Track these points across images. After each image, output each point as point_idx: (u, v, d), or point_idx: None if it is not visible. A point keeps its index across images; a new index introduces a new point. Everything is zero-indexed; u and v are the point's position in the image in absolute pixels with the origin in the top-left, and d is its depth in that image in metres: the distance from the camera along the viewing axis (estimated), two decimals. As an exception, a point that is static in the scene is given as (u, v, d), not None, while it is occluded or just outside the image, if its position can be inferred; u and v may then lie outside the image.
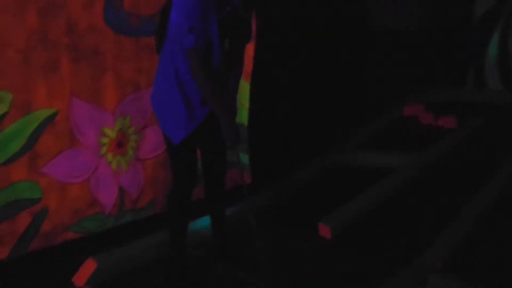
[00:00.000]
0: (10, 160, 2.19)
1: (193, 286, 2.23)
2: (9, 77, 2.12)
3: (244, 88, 3.06)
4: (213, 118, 2.18)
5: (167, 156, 2.29)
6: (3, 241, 2.22)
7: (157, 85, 2.18)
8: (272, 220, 2.74)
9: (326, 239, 2.52)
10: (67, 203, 2.41)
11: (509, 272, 2.25)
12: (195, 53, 1.97)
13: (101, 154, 2.49)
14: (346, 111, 3.56)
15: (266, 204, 2.90)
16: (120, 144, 2.56)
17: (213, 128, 2.23)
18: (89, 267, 2.16)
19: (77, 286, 2.13)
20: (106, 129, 2.49)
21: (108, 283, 2.17)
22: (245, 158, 3.11)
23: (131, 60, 2.50)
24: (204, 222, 2.51)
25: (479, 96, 3.94)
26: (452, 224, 2.45)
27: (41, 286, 2.15)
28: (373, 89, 3.78)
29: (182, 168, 2.20)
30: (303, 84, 3.34)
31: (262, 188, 2.96)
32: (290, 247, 2.50)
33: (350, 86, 3.67)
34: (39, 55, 2.19)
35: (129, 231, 2.57)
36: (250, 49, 3.04)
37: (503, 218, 2.64)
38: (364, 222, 2.63)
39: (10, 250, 2.24)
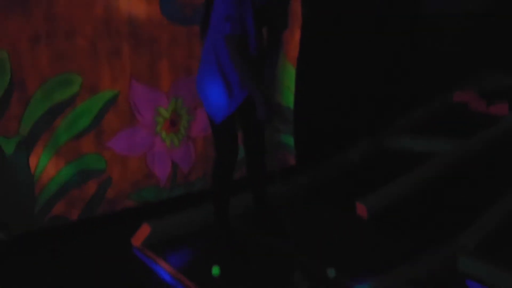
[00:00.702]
0: (80, 134, 2.52)
1: (238, 255, 2.44)
2: (79, 61, 2.43)
3: (290, 72, 3.21)
4: (252, 100, 2.38)
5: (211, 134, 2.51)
6: (74, 205, 2.57)
7: (201, 69, 2.39)
8: (313, 199, 2.89)
9: (363, 218, 2.64)
10: (127, 175, 2.71)
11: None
12: (232, 39, 2.16)
13: (156, 131, 2.77)
14: (395, 96, 3.60)
15: (309, 184, 3.05)
16: (173, 123, 2.82)
17: (251, 109, 2.42)
18: (144, 230, 2.45)
19: (134, 246, 2.43)
20: (161, 109, 2.76)
21: (161, 245, 2.44)
22: (290, 140, 3.27)
23: (184, 46, 2.74)
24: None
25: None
26: (488, 210, 2.46)
27: (105, 246, 2.45)
28: (424, 74, 3.77)
29: (224, 145, 2.41)
30: (352, 68, 3.41)
31: (307, 169, 3.11)
32: (327, 224, 2.65)
33: (401, 70, 3.68)
34: (104, 42, 2.49)
35: (181, 202, 2.83)
36: (296, 34, 3.18)
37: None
38: (402, 205, 2.70)
39: (79, 213, 2.59)
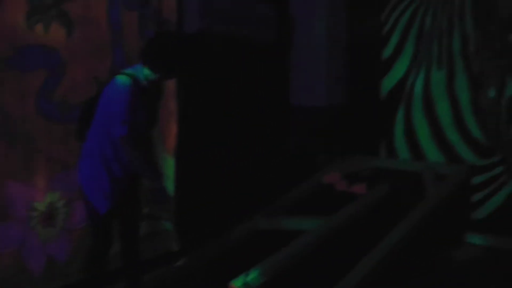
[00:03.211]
0: None
1: None
2: None
3: (169, 162, 3.46)
4: (134, 191, 2.61)
5: (89, 223, 2.62)
6: None
7: (84, 164, 2.57)
8: (192, 282, 3.03)
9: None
10: (-2, 271, 2.69)
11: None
12: (128, 140, 2.43)
13: (31, 226, 2.80)
14: (270, 180, 3.96)
15: (189, 267, 3.19)
16: (49, 217, 2.88)
17: (133, 199, 2.65)
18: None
19: None
20: (36, 203, 2.82)
21: None
22: (170, 226, 3.44)
23: (61, 142, 2.90)
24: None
25: (390, 164, 4.41)
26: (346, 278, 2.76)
27: None
28: (297, 160, 4.23)
29: (102, 236, 2.56)
30: (226, 156, 3.75)
31: (188, 253, 3.26)
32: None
33: (274, 157, 4.10)
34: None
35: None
36: (173, 128, 3.48)
37: (391, 273, 2.96)
38: (274, 281, 2.92)
39: None
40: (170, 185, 3.41)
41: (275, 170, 4.00)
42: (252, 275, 2.53)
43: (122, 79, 2.48)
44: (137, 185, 2.71)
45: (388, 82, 4.68)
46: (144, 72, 2.51)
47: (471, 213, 4.11)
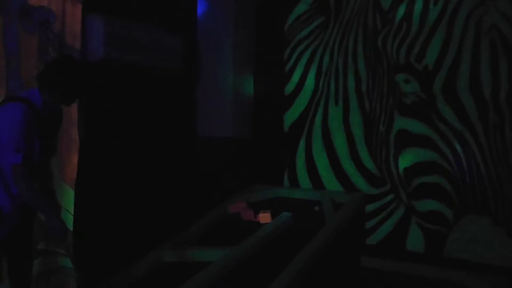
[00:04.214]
0: None
1: None
2: None
3: (69, 194, 3.28)
4: (24, 226, 2.41)
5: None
6: None
7: None
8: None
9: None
10: None
11: None
12: (21, 168, 2.24)
13: None
14: (175, 213, 3.92)
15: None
16: None
17: (23, 235, 2.43)
18: None
19: None
20: None
21: None
22: (69, 262, 3.22)
23: None
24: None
25: (292, 193, 4.62)
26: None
27: None
28: (202, 189, 4.24)
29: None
30: (132, 187, 3.65)
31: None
32: None
33: (180, 188, 4.08)
34: None
35: None
36: (74, 158, 3.32)
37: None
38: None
39: None
40: (68, 218, 3.22)
41: (182, 200, 3.96)
42: None
43: (14, 103, 2.32)
44: (29, 219, 2.51)
45: (290, 116, 4.95)
46: (42, 96, 2.39)
47: (365, 238, 4.40)
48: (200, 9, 4.71)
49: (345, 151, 4.65)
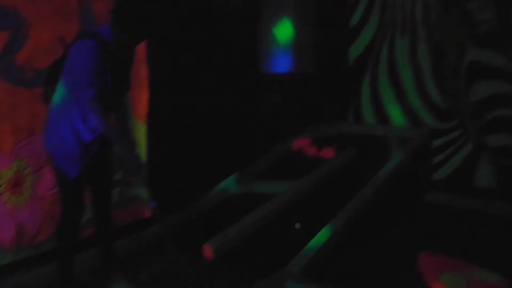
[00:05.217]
0: None
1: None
2: None
3: (141, 128, 3.42)
4: (104, 156, 2.55)
5: (58, 190, 2.57)
6: None
7: (50, 129, 2.49)
8: (167, 245, 3.07)
9: (209, 259, 2.85)
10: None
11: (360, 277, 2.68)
12: (95, 102, 2.34)
13: (-2, 193, 2.73)
14: (241, 146, 3.99)
15: (163, 233, 3.21)
16: (17, 184, 2.81)
17: (103, 164, 2.59)
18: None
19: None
20: (2, 170, 2.74)
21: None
22: (144, 193, 3.42)
23: (25, 108, 2.81)
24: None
25: (357, 129, 4.54)
26: (316, 237, 2.86)
27: None
28: (266, 125, 4.26)
29: (72, 202, 2.50)
30: (198, 123, 3.74)
31: (161, 219, 3.27)
32: (179, 268, 2.82)
33: (244, 122, 4.12)
34: None
35: (29, 265, 2.79)
36: (144, 94, 3.43)
37: (359, 234, 3.10)
38: (244, 243, 2.99)
39: None
40: (142, 151, 3.38)
41: (247, 135, 4.02)
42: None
43: (86, 40, 2.38)
44: (107, 151, 2.66)
45: (355, 50, 4.77)
46: (114, 33, 2.44)
47: (432, 174, 4.30)
48: None
49: (412, 85, 4.46)
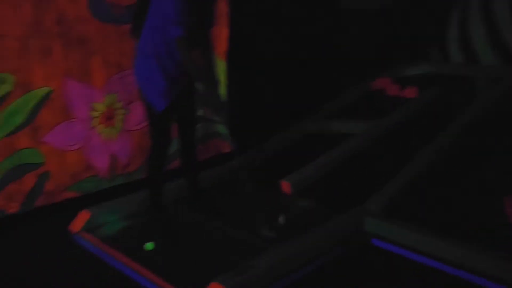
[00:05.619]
0: (14, 131, 2.63)
1: (170, 234, 2.67)
2: (11, 61, 2.56)
3: (220, 65, 3.45)
4: (189, 92, 2.63)
5: (148, 123, 2.70)
6: (13, 198, 2.69)
7: (140, 62, 2.58)
8: (246, 180, 3.16)
9: (287, 194, 2.92)
10: (66, 167, 2.86)
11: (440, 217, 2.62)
12: (184, 41, 2.39)
13: (93, 125, 2.93)
14: (320, 84, 3.92)
15: (242, 167, 3.30)
16: (109, 117, 2.99)
17: (188, 100, 2.67)
18: (83, 217, 2.61)
19: (73, 233, 2.58)
20: (96, 104, 2.92)
21: (99, 229, 2.61)
22: (224, 129, 3.51)
23: (115, 44, 2.93)
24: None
25: (441, 68, 4.25)
26: (396, 177, 2.81)
27: (44, 236, 2.58)
28: (346, 64, 4.12)
29: (160, 135, 2.62)
30: (277, 60, 3.70)
31: (241, 154, 3.36)
32: (256, 201, 2.92)
33: (325, 59, 4.02)
34: (35, 42, 2.62)
35: (121, 192, 2.99)
36: (224, 32, 3.42)
37: (440, 174, 3.01)
38: (322, 179, 3.01)
39: (19, 205, 2.71)
40: (223, 89, 3.43)
41: (326, 74, 3.93)
42: None
43: None
44: (192, 87, 2.73)
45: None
46: None
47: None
48: None
49: (509, 20, 4.04)
